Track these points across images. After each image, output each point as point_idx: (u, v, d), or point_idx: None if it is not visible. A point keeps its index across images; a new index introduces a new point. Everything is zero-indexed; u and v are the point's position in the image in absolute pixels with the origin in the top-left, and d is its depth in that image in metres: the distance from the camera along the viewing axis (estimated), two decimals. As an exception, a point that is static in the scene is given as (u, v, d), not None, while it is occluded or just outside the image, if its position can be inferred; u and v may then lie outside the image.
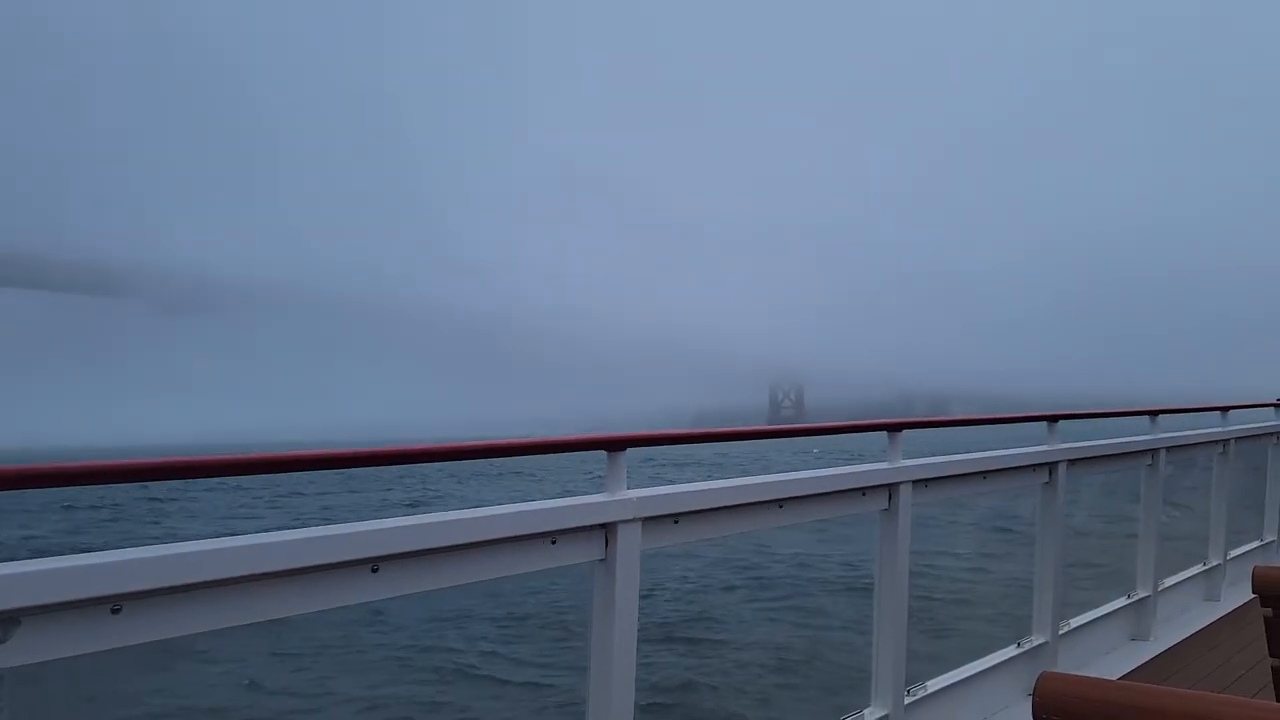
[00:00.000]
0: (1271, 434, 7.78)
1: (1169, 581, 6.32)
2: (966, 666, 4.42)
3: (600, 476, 2.83)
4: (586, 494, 2.79)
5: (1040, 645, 4.85)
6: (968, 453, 4.49)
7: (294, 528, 2.17)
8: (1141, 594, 5.88)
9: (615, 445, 2.81)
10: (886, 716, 3.79)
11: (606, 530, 2.76)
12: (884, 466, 3.89)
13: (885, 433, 3.94)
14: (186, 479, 2.08)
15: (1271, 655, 3.13)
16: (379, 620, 12.32)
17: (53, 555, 1.85)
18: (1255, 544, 7.62)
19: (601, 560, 2.77)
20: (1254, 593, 3.08)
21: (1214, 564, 6.85)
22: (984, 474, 4.54)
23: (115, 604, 1.83)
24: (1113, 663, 5.28)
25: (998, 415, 4.83)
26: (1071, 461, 5.14)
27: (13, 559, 1.75)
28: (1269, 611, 3.07)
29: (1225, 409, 7.10)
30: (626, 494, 2.81)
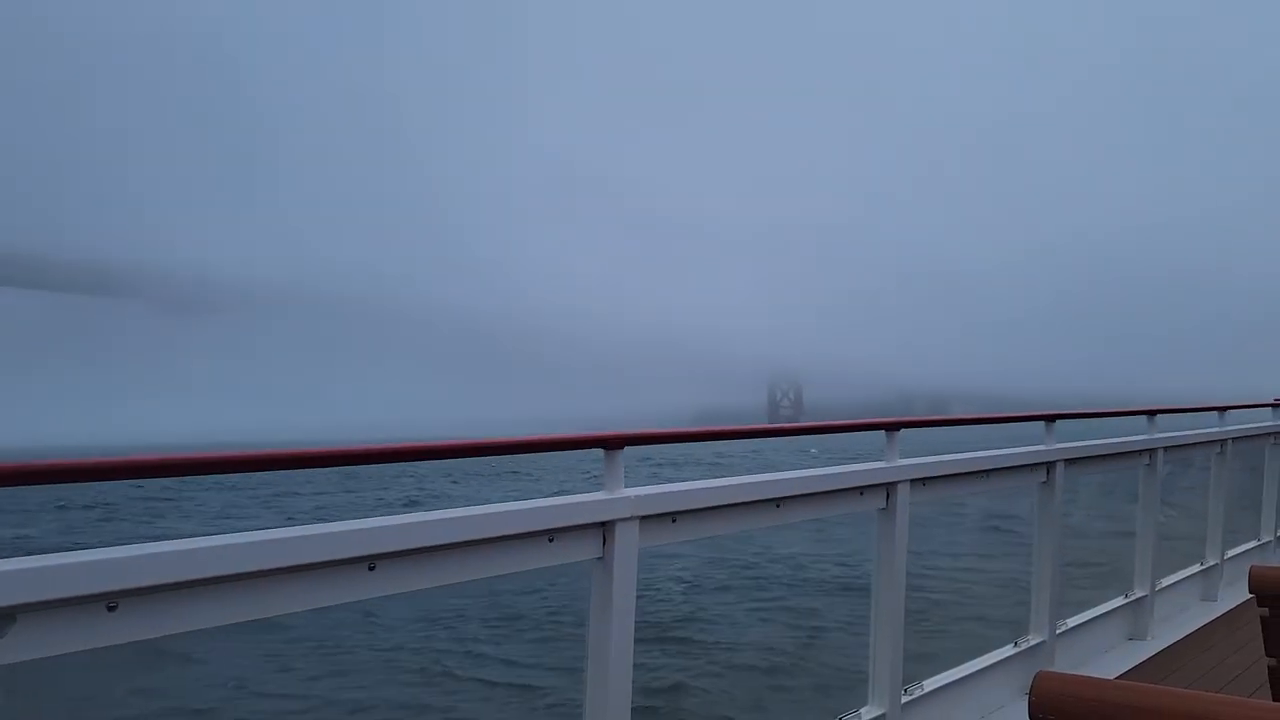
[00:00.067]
0: (1269, 434, 7.78)
1: (1166, 581, 6.31)
2: (963, 666, 4.41)
3: (597, 477, 2.83)
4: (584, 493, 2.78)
5: (1037, 645, 4.84)
6: (965, 452, 4.49)
7: (291, 525, 2.14)
8: (1139, 593, 5.88)
9: (612, 443, 2.81)
10: (883, 715, 3.78)
11: (604, 529, 2.76)
12: (882, 466, 3.89)
13: (883, 432, 3.93)
14: (184, 476, 2.08)
15: (1268, 655, 3.11)
16: (369, 621, 12.28)
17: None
18: (1252, 544, 7.62)
19: (599, 559, 2.78)
20: (1251, 592, 3.06)
21: (1211, 564, 6.85)
22: (982, 473, 4.54)
23: (111, 601, 1.83)
24: (1110, 662, 5.28)
25: (995, 415, 4.83)
26: (1069, 461, 5.14)
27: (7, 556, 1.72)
28: (1266, 611, 3.05)
29: (1223, 409, 7.11)
30: (624, 492, 2.81)
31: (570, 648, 10.66)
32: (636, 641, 2.82)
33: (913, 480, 3.98)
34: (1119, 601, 5.78)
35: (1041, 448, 4.98)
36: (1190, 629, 5.98)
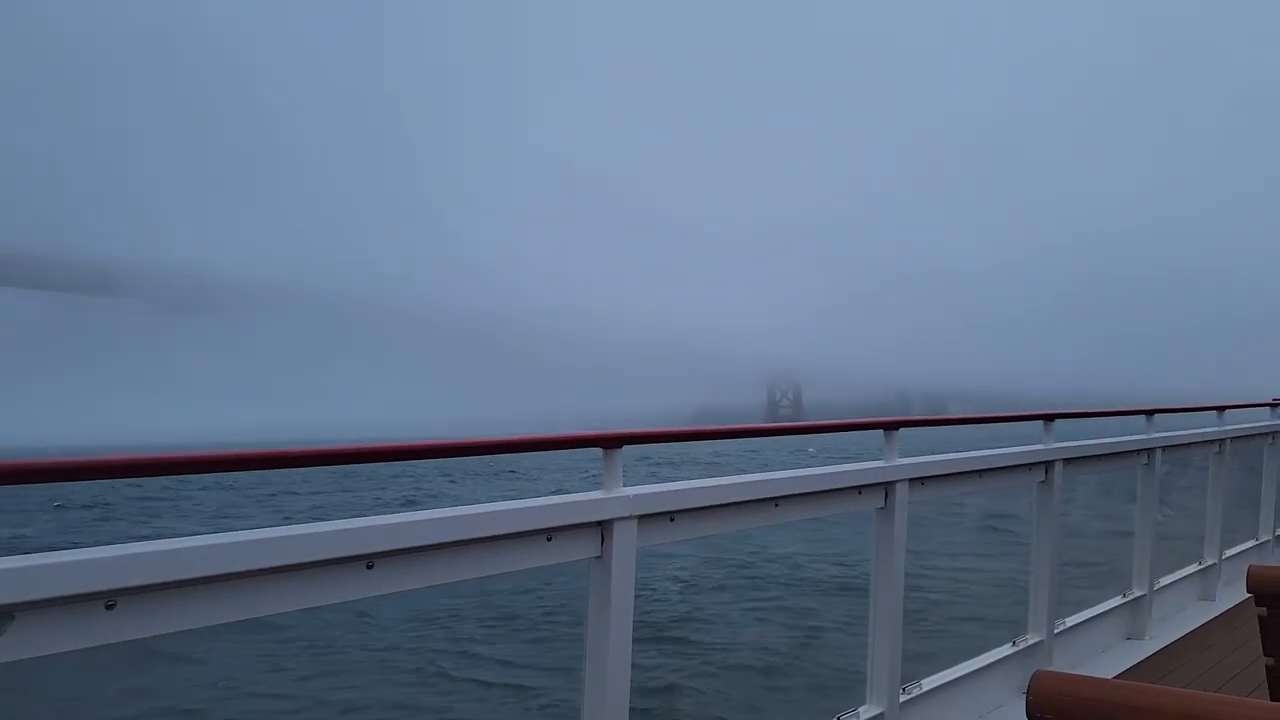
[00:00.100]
0: (1267, 434, 7.79)
1: (1164, 581, 6.31)
2: (961, 665, 4.41)
3: (596, 476, 2.82)
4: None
5: (1035, 644, 4.84)
6: (964, 451, 4.48)
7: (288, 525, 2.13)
8: (1137, 593, 5.88)
9: (611, 442, 2.81)
10: (882, 715, 3.77)
11: (602, 527, 2.76)
12: (880, 465, 3.88)
13: (881, 431, 3.93)
14: (182, 475, 2.05)
15: (1266, 654, 3.10)
16: (363, 621, 12.24)
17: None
18: (1250, 543, 7.62)
19: (597, 557, 2.78)
20: (1249, 592, 3.05)
21: (1209, 563, 6.85)
22: (980, 473, 4.54)
23: (109, 600, 1.83)
24: (1108, 661, 5.27)
25: (994, 414, 4.84)
26: (1067, 460, 5.14)
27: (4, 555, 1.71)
28: (1264, 611, 3.05)
29: (1221, 409, 7.11)
30: (622, 491, 2.81)
31: (565, 648, 10.65)
32: (633, 641, 2.81)
33: (911, 480, 3.98)
34: (1117, 601, 5.77)
35: (1040, 447, 4.98)
36: (1188, 628, 5.98)
